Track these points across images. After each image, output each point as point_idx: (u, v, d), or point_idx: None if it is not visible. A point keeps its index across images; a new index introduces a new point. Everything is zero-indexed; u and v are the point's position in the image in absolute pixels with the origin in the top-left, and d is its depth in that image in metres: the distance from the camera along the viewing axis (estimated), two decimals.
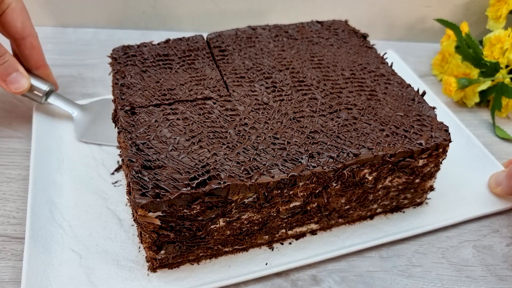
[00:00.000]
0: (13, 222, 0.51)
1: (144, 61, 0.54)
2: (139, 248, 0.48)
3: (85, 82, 0.72)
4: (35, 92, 0.59)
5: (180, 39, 0.58)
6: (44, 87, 0.60)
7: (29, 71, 0.60)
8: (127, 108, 0.47)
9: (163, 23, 0.84)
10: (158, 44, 0.57)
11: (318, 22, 0.63)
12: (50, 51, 0.77)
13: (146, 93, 0.49)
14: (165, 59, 0.54)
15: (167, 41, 0.57)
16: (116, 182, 0.55)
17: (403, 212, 0.53)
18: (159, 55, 0.55)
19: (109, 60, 0.60)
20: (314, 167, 0.43)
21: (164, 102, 0.48)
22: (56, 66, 0.74)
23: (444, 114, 0.64)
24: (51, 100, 0.61)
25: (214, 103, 0.49)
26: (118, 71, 0.52)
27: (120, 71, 0.52)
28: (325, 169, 0.43)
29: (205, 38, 0.59)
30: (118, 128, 0.46)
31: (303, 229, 0.49)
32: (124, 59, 0.54)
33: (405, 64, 0.74)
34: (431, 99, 0.66)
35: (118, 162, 0.57)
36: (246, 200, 0.42)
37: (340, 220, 0.50)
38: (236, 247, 0.47)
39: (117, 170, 0.56)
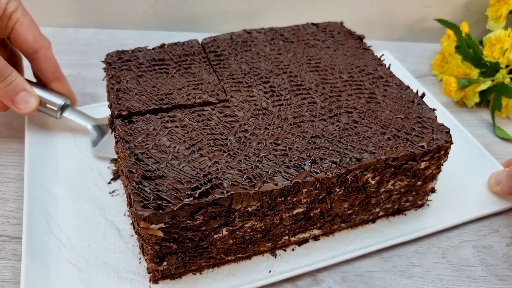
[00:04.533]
0: (12, 222, 0.51)
1: (140, 66, 0.53)
2: (140, 259, 0.47)
3: (85, 82, 0.71)
4: (50, 106, 0.57)
5: (175, 43, 0.57)
6: (59, 101, 0.58)
7: (45, 85, 0.58)
8: (124, 112, 0.46)
9: (163, 23, 0.84)
10: (153, 49, 0.56)
11: (313, 24, 0.62)
12: None
13: (143, 97, 0.48)
14: (160, 63, 0.54)
15: (162, 45, 0.57)
16: (113, 192, 0.54)
17: (405, 214, 0.53)
18: (154, 59, 0.54)
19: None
20: (317, 173, 0.42)
21: (162, 107, 0.47)
22: None
23: (442, 114, 0.64)
24: (67, 114, 0.59)
25: (213, 109, 0.48)
26: (113, 76, 0.51)
27: (115, 76, 0.51)
28: (328, 175, 0.42)
29: (201, 43, 0.58)
30: (115, 137, 0.45)
31: (306, 235, 0.49)
32: (118, 64, 0.53)
33: (401, 65, 0.74)
34: (428, 99, 0.66)
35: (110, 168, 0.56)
36: (249, 209, 0.42)
37: (342, 224, 0.50)
38: (239, 255, 0.47)
39: (113, 179, 0.55)
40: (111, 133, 0.49)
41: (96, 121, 0.60)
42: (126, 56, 0.54)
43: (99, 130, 0.60)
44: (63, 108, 0.58)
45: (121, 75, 0.51)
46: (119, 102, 0.48)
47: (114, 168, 0.57)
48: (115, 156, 0.57)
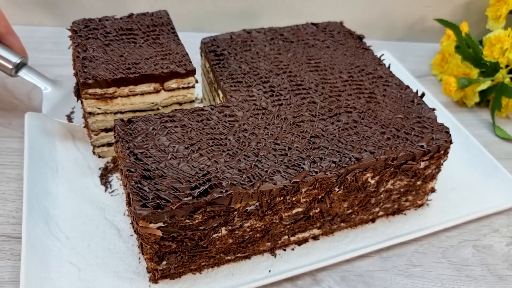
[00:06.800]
0: (12, 222, 0.51)
1: (107, 35, 0.53)
2: (139, 258, 0.47)
3: None
4: (4, 63, 0.57)
5: (144, 14, 0.57)
6: (15, 59, 0.57)
7: None
8: (90, 81, 0.46)
9: None
10: (121, 18, 0.56)
11: (313, 24, 0.62)
12: (50, 51, 0.77)
13: (110, 66, 0.49)
14: (128, 33, 0.54)
15: (130, 15, 0.57)
16: (113, 191, 0.54)
17: (405, 214, 0.53)
18: (122, 29, 0.54)
19: None
20: (316, 172, 0.42)
21: (129, 76, 0.48)
22: (56, 66, 0.74)
23: (442, 114, 0.64)
24: (22, 73, 0.58)
25: (212, 109, 0.48)
26: (79, 44, 0.51)
27: (82, 44, 0.51)
28: (327, 174, 0.42)
29: (201, 42, 0.58)
30: (115, 137, 0.45)
31: (306, 234, 0.49)
32: (85, 32, 0.53)
33: (401, 65, 0.74)
34: (428, 99, 0.66)
35: (101, 168, 0.57)
36: (248, 208, 0.42)
37: (342, 224, 0.50)
38: (238, 255, 0.47)
39: (102, 178, 0.55)
40: (77, 101, 0.50)
41: (54, 83, 0.60)
42: (93, 24, 0.54)
43: (55, 92, 0.59)
44: (18, 67, 0.58)
45: (87, 44, 0.51)
46: (85, 70, 0.48)
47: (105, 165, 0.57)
48: (65, 121, 0.57)
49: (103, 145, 0.55)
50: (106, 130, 0.53)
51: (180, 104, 0.54)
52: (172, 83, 0.51)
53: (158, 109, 0.53)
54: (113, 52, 0.50)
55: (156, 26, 0.55)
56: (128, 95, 0.51)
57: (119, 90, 0.50)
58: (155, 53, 0.51)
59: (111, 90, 0.49)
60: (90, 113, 0.51)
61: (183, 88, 0.52)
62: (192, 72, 0.50)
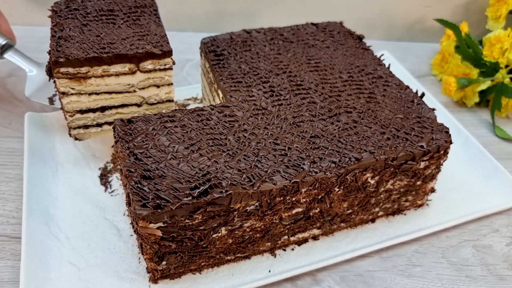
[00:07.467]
0: (12, 222, 0.51)
1: (86, 15, 0.53)
2: (139, 258, 0.47)
3: None
4: None
5: None
6: (0, 41, 0.57)
7: None
8: (61, 59, 0.47)
9: (163, 22, 0.84)
10: None
11: (313, 24, 0.62)
12: None
13: (84, 46, 0.49)
14: (109, 14, 0.54)
15: None
16: (113, 191, 0.54)
17: (405, 214, 0.53)
18: (103, 10, 0.54)
19: None
20: (316, 172, 0.42)
21: (102, 55, 0.48)
22: None
23: (442, 114, 0.64)
24: (8, 55, 0.58)
25: (212, 109, 0.48)
26: (57, 24, 0.51)
27: (59, 23, 0.51)
28: (327, 174, 0.42)
29: (200, 42, 0.58)
30: (114, 137, 0.45)
31: (305, 235, 0.49)
32: (65, 13, 0.53)
33: (401, 65, 0.74)
34: (428, 99, 0.66)
35: (101, 168, 0.57)
36: (248, 208, 0.42)
37: (342, 224, 0.50)
38: (238, 255, 0.47)
39: (101, 178, 0.55)
40: (49, 80, 0.50)
41: (39, 66, 0.59)
42: (74, 5, 0.55)
43: (40, 74, 0.59)
44: (4, 48, 0.58)
45: (64, 23, 0.51)
46: (59, 49, 0.48)
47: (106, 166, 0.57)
48: (47, 103, 0.57)
49: (79, 127, 0.54)
50: (81, 111, 0.52)
51: (158, 86, 0.53)
52: (147, 64, 0.50)
53: (134, 91, 0.52)
54: (90, 32, 0.50)
55: (139, 8, 0.55)
56: (102, 76, 0.50)
57: (93, 70, 0.49)
58: (133, 33, 0.51)
59: (83, 69, 0.49)
60: (63, 93, 0.50)
61: (159, 69, 0.51)
62: (168, 53, 0.49)
